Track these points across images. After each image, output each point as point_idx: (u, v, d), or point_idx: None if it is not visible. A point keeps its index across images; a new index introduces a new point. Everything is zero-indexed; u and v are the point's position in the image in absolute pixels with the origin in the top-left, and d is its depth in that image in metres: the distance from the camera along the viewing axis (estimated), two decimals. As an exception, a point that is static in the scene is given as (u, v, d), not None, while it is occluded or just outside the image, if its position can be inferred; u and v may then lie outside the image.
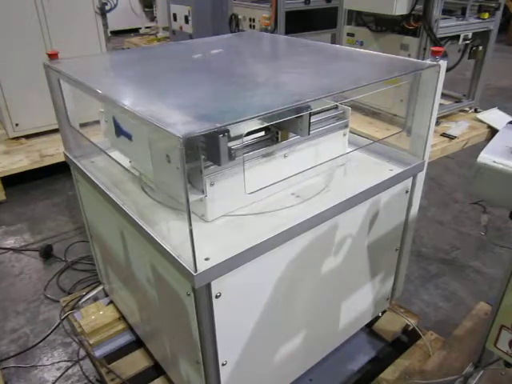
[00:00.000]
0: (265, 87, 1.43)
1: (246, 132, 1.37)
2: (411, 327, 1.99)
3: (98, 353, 1.93)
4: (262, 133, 1.44)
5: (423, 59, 1.54)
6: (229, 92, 1.38)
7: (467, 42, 3.78)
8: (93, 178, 1.60)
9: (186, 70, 1.65)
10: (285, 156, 1.45)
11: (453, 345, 1.87)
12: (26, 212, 3.12)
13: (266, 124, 1.39)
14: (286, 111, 1.33)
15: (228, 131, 1.19)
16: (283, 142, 1.44)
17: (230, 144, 1.25)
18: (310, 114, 1.38)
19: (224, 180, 1.31)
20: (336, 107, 1.60)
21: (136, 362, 1.86)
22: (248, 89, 1.41)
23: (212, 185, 1.28)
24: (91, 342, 1.95)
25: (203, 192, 1.27)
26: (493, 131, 3.92)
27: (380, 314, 2.03)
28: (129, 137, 1.44)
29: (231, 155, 1.25)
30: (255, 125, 1.40)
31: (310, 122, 1.38)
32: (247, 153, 1.36)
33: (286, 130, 1.42)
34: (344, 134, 1.62)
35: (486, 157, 1.23)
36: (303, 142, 1.49)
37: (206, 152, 1.24)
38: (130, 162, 1.61)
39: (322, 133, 1.55)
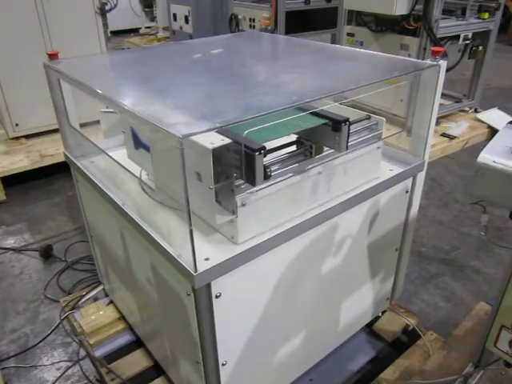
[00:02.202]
0: (265, 87, 1.43)
1: (278, 146, 1.31)
2: (411, 327, 1.99)
3: (98, 353, 1.93)
4: (294, 147, 1.36)
5: (423, 59, 1.54)
6: (229, 92, 1.38)
7: (467, 41, 3.78)
8: (93, 178, 1.60)
9: (186, 70, 1.65)
10: (319, 173, 1.36)
11: (453, 345, 1.87)
12: (26, 212, 3.12)
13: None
14: (322, 125, 1.29)
15: (265, 148, 1.11)
16: (317, 156, 1.35)
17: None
18: (350, 128, 1.30)
19: (256, 200, 1.23)
20: (368, 118, 1.50)
21: (136, 362, 1.86)
22: (248, 89, 1.41)
23: (243, 205, 1.20)
24: (91, 342, 1.95)
25: (233, 213, 1.20)
26: (493, 131, 3.92)
27: (380, 314, 2.03)
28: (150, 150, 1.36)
29: (267, 174, 1.17)
30: (289, 138, 1.33)
31: (348, 136, 1.30)
32: (280, 169, 1.27)
33: (320, 144, 1.35)
34: (378, 147, 1.51)
35: (485, 157, 1.23)
36: (338, 156, 1.39)
37: (238, 170, 1.17)
38: (147, 174, 1.53)
39: (357, 146, 1.44)
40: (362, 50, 1.85)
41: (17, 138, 3.62)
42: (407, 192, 1.69)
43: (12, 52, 3.33)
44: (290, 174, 1.29)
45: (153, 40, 7.22)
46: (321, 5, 4.54)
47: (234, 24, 4.72)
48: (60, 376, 1.92)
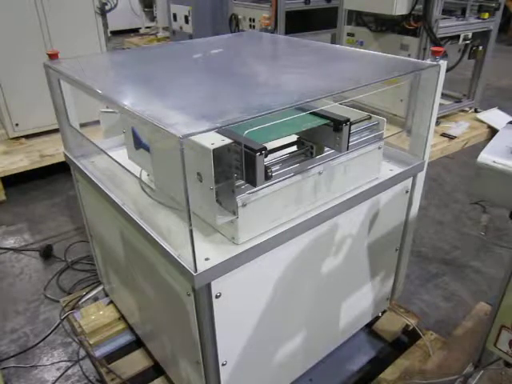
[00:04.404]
0: (265, 87, 1.43)
1: (278, 146, 1.31)
2: (411, 327, 1.99)
3: (97, 353, 1.93)
4: (295, 147, 1.36)
5: (423, 59, 1.54)
6: (229, 92, 1.38)
7: (467, 41, 3.78)
8: (93, 178, 1.60)
9: (186, 70, 1.65)
10: (319, 173, 1.36)
11: (453, 345, 1.87)
12: (26, 212, 3.12)
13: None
14: (323, 125, 1.29)
15: (265, 149, 1.11)
16: (318, 157, 1.34)
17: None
18: (350, 128, 1.30)
19: (257, 200, 1.22)
20: (369, 118, 1.50)
21: (136, 362, 1.86)
22: (248, 89, 1.41)
23: (244, 205, 1.20)
24: (91, 342, 1.95)
25: (234, 213, 1.19)
26: (493, 131, 3.92)
27: (380, 314, 2.03)
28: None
29: (267, 175, 1.16)
30: (289, 138, 1.33)
31: (349, 136, 1.30)
32: (281, 169, 1.27)
33: (321, 144, 1.34)
34: (379, 147, 1.51)
35: (485, 157, 1.23)
36: (339, 156, 1.39)
37: (239, 170, 1.17)
38: (147, 175, 1.53)
39: (357, 146, 1.43)
40: (362, 49, 1.85)
41: (17, 138, 3.62)
42: (407, 192, 1.69)
43: (12, 52, 3.33)
44: (291, 174, 1.29)
45: (153, 40, 7.22)
46: (321, 5, 4.55)
47: (234, 24, 4.72)
48: (60, 376, 1.92)
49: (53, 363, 1.98)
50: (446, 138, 3.80)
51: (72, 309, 2.15)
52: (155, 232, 1.28)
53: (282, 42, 2.23)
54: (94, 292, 2.22)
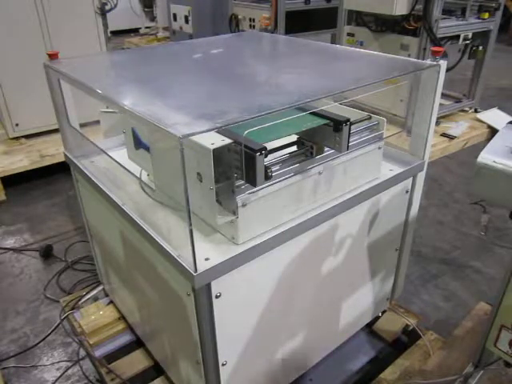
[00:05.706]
0: (265, 87, 1.43)
1: (278, 146, 1.31)
2: (411, 327, 1.99)
3: (97, 353, 1.93)
4: (295, 147, 1.35)
5: (423, 59, 1.53)
6: (229, 92, 1.38)
7: (467, 41, 3.78)
8: (93, 178, 1.60)
9: (186, 70, 1.65)
10: (319, 173, 1.36)
11: (453, 345, 1.87)
12: (26, 212, 3.12)
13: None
14: (323, 125, 1.29)
15: (265, 149, 1.11)
16: (318, 157, 1.34)
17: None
18: (350, 128, 1.30)
19: (257, 200, 1.22)
20: (369, 118, 1.50)
21: (136, 362, 1.86)
22: (249, 89, 1.41)
23: (244, 205, 1.20)
24: (91, 342, 1.95)
25: (234, 213, 1.19)
26: (493, 131, 3.92)
27: (380, 314, 2.03)
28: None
29: (267, 175, 1.16)
30: (289, 138, 1.33)
31: (349, 136, 1.30)
32: (281, 169, 1.26)
33: (321, 144, 1.33)
34: (379, 148, 1.51)
35: (486, 157, 1.23)
36: (339, 156, 1.39)
37: (239, 170, 1.16)
38: (147, 175, 1.53)
39: (357, 146, 1.43)
40: (362, 49, 1.85)
41: (17, 138, 3.63)
42: (407, 192, 1.69)
43: (12, 52, 3.33)
44: (291, 174, 1.29)
45: (153, 40, 7.22)
46: (321, 5, 4.54)
47: (234, 24, 4.72)
48: (60, 376, 1.92)
49: (53, 363, 1.98)
50: (446, 138, 3.80)
51: (72, 309, 2.15)
52: (155, 232, 1.28)
53: (282, 42, 2.23)
54: (94, 292, 2.22)
